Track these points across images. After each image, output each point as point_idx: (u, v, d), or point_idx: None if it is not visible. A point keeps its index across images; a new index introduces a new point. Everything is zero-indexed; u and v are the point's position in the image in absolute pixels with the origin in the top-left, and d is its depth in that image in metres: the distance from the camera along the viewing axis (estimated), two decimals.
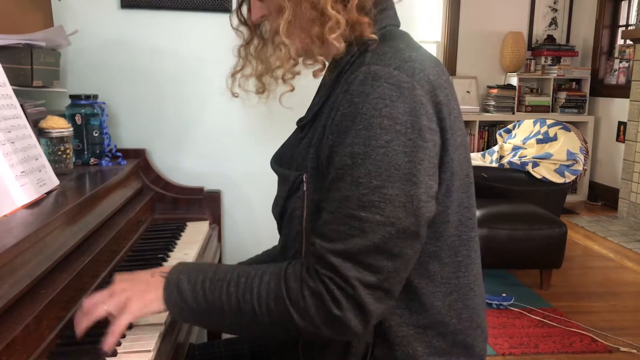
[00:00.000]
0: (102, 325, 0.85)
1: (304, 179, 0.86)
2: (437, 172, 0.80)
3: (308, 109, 0.99)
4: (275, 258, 1.09)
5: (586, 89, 5.33)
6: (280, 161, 0.98)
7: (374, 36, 0.83)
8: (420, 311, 0.86)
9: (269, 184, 1.79)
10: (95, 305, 0.84)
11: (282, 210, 0.92)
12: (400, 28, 0.93)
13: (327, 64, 0.91)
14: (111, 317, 0.84)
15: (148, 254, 1.26)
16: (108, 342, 0.81)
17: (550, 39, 5.43)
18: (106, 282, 1.08)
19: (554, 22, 5.49)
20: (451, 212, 0.85)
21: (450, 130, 0.81)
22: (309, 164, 0.86)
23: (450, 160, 0.82)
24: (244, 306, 0.81)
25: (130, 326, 0.90)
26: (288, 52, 0.85)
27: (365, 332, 0.84)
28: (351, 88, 0.78)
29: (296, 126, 0.98)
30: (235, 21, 1.03)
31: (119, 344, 0.85)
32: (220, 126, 1.79)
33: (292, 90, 0.91)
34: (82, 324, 0.83)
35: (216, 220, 1.70)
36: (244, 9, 1.02)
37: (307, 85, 1.00)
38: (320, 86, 1.00)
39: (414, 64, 0.79)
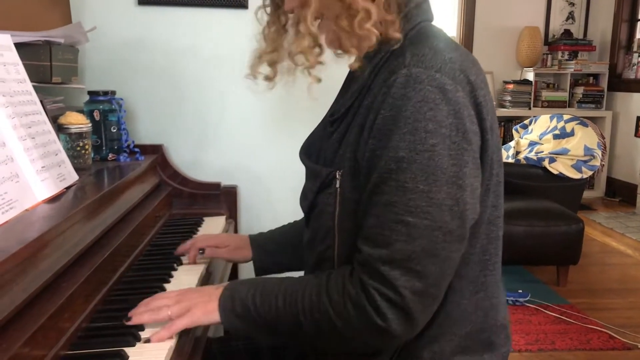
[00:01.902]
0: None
1: (337, 176, 0.85)
2: (480, 173, 0.80)
3: (336, 102, 0.99)
4: (297, 239, 1.11)
5: (604, 83, 5.27)
6: (309, 153, 0.98)
7: (398, 35, 0.82)
8: (448, 310, 0.85)
9: (285, 180, 1.81)
10: (161, 308, 0.88)
11: (311, 204, 0.92)
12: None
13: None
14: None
15: (166, 248, 1.27)
16: (160, 336, 0.85)
17: (567, 33, 5.37)
18: (125, 277, 1.09)
19: (571, 16, 5.43)
20: (486, 212, 0.85)
21: (489, 131, 0.81)
22: (345, 163, 0.85)
23: (490, 161, 0.82)
24: (291, 319, 0.83)
25: None
26: (312, 42, 0.85)
27: None
28: (392, 91, 0.77)
29: (320, 120, 0.98)
30: (267, 3, 1.02)
31: (138, 337, 0.87)
32: (236, 122, 1.79)
33: (319, 81, 0.90)
34: (144, 318, 0.88)
35: (233, 215, 1.71)
36: None
37: (326, 80, 1.00)
38: (348, 81, 0.99)
39: (455, 66, 0.78)
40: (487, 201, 0.84)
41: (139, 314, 0.88)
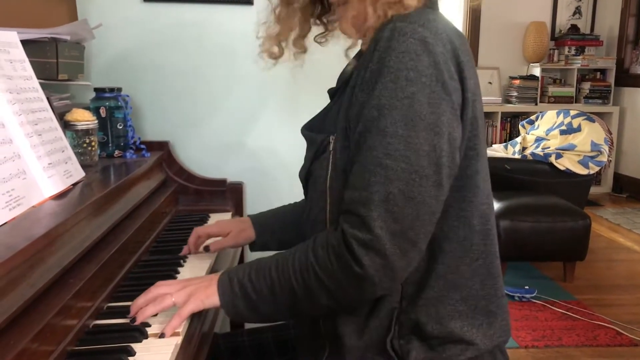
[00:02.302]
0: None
1: (331, 140, 0.89)
2: (459, 125, 0.83)
3: (338, 78, 1.01)
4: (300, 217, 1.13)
5: (611, 79, 5.24)
6: (311, 128, 1.00)
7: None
8: (445, 274, 0.87)
9: (291, 176, 1.81)
10: (163, 297, 0.89)
11: (307, 172, 0.94)
12: None
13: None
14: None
15: (172, 244, 1.28)
16: (172, 326, 0.86)
17: (574, 28, 5.34)
18: (132, 273, 1.10)
19: (577, 11, 5.40)
20: (481, 179, 0.88)
21: (469, 92, 0.83)
22: (338, 126, 0.88)
23: (472, 119, 0.85)
24: (284, 285, 0.85)
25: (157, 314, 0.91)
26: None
27: (392, 294, 0.86)
28: (379, 45, 0.81)
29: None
30: None
31: (145, 332, 0.87)
32: (242, 119, 1.80)
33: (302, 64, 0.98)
34: (149, 311, 0.88)
35: (239, 211, 1.71)
36: None
37: (335, 76, 1.01)
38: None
39: (438, 25, 0.82)
40: (478, 164, 0.87)
41: (142, 311, 0.89)
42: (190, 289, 0.90)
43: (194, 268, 1.15)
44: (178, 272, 1.12)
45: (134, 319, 0.88)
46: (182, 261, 1.18)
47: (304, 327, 1.01)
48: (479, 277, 0.90)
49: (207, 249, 1.20)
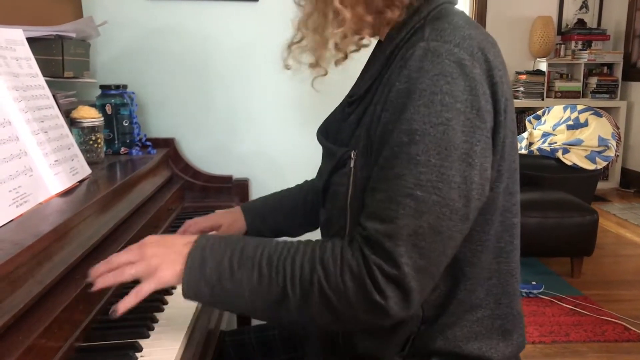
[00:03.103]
0: (140, 310, 0.86)
1: (352, 156, 0.84)
2: (491, 154, 0.78)
3: (355, 84, 0.98)
4: (293, 204, 1.15)
5: (618, 73, 5.21)
6: (326, 134, 0.97)
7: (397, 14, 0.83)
8: (460, 297, 0.85)
9: (297, 173, 1.80)
10: (124, 267, 0.81)
11: (325, 184, 0.91)
12: None
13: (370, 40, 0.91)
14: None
15: None
16: (125, 304, 0.78)
17: (580, 22, 5.31)
18: None
19: (584, 5, 5.36)
20: (499, 198, 0.84)
21: (503, 113, 0.79)
22: (360, 143, 0.84)
23: (502, 144, 0.80)
24: (275, 287, 0.77)
25: (163, 309, 0.91)
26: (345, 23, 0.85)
27: (413, 318, 0.84)
28: (408, 64, 0.76)
29: (339, 104, 0.98)
30: None
31: (152, 328, 0.87)
32: (248, 115, 1.79)
33: (325, 74, 0.90)
34: (106, 281, 0.80)
35: None
36: None
37: (341, 73, 1.00)
38: (368, 63, 0.99)
39: (473, 42, 0.77)
40: (500, 186, 0.83)
41: (102, 279, 0.80)
42: (154, 261, 0.80)
43: None
44: None
45: (114, 312, 0.78)
46: None
47: (316, 335, 1.00)
48: (492, 297, 0.87)
49: None
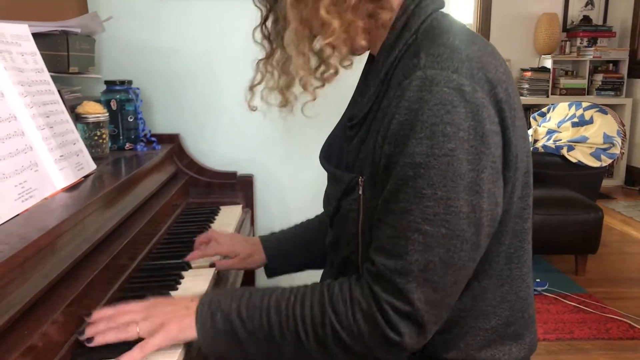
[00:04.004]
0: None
1: (360, 182, 0.83)
2: (500, 177, 0.77)
3: (352, 104, 0.96)
4: (311, 238, 1.12)
5: (624, 70, 5.18)
6: (329, 158, 0.96)
7: (364, 42, 0.82)
8: (472, 306, 0.84)
9: (301, 168, 1.81)
10: (127, 324, 0.79)
11: (334, 209, 0.90)
12: None
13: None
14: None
15: (184, 236, 1.28)
16: (131, 356, 0.76)
17: (586, 19, 5.28)
18: (143, 265, 1.10)
19: (590, 2, 5.33)
20: (512, 209, 0.83)
21: (511, 127, 0.77)
22: (365, 170, 0.82)
23: (513, 158, 0.79)
24: (288, 334, 0.78)
25: None
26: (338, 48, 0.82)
27: None
28: (407, 94, 0.74)
29: (333, 107, 0.97)
30: (259, 36, 1.00)
31: None
32: (252, 112, 1.79)
33: (314, 99, 0.87)
34: (108, 337, 0.78)
35: (249, 204, 1.71)
36: (269, 23, 0.99)
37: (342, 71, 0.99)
38: (364, 82, 0.96)
39: (472, 64, 0.75)
40: (513, 197, 0.81)
41: (103, 333, 0.78)
42: (160, 319, 0.80)
43: (205, 260, 1.15)
44: (190, 266, 1.12)
45: (90, 340, 0.77)
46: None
47: None
48: (507, 304, 0.86)
49: (212, 265, 1.13)
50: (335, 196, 0.89)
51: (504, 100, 0.76)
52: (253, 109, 1.01)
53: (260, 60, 0.99)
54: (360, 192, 0.83)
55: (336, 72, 0.86)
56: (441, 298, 0.75)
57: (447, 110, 0.71)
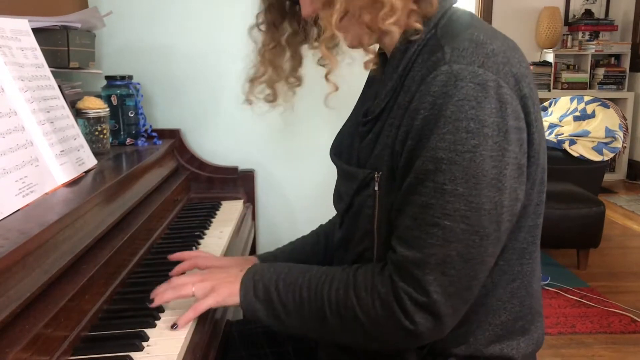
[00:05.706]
0: (146, 300, 0.88)
1: (376, 178, 0.82)
2: (523, 172, 0.77)
3: (363, 101, 0.94)
4: (309, 254, 1.11)
5: (626, 64, 5.17)
6: (340, 154, 0.95)
7: (419, 25, 0.79)
8: (484, 301, 0.84)
9: (303, 164, 1.80)
10: (184, 284, 0.89)
11: (347, 206, 0.89)
12: None
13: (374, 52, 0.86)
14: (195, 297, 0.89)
15: (185, 232, 1.28)
16: (186, 318, 0.85)
17: (588, 13, 5.26)
18: (145, 260, 1.10)
19: None
20: (531, 205, 0.82)
21: (535, 123, 0.77)
22: (382, 165, 0.82)
23: (535, 154, 0.79)
24: (315, 310, 0.82)
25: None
26: (334, 43, 0.82)
27: None
28: (432, 89, 0.73)
29: (335, 103, 0.96)
30: (261, 21, 1.00)
31: (158, 318, 0.87)
32: (253, 106, 1.78)
33: (336, 90, 0.86)
34: (167, 296, 0.88)
35: (250, 199, 1.71)
36: (269, 14, 0.99)
37: (346, 67, 0.99)
38: (379, 78, 0.93)
39: (498, 58, 0.74)
40: (532, 193, 0.82)
41: (161, 294, 0.89)
42: (212, 283, 0.89)
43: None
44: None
45: (151, 300, 0.89)
46: (194, 248, 1.18)
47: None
48: (517, 299, 0.86)
49: None
50: (348, 193, 0.88)
51: (528, 96, 0.76)
52: (250, 102, 1.02)
53: (260, 50, 1.00)
54: (376, 187, 0.83)
55: (376, 58, 0.85)
56: (459, 291, 0.76)
57: (472, 106, 0.71)
